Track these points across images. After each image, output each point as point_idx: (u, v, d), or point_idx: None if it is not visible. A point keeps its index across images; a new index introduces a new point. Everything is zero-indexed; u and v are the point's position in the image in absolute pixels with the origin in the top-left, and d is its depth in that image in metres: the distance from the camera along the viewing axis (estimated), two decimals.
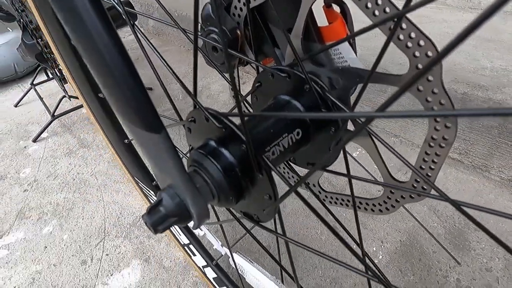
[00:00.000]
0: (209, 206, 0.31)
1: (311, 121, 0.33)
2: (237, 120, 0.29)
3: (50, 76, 1.66)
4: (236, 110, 0.25)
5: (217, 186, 0.28)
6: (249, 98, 0.40)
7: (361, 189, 1.04)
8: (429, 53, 0.26)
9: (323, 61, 0.36)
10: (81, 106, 1.48)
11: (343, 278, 0.82)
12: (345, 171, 0.35)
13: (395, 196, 0.36)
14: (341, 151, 0.35)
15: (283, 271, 0.54)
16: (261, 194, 0.28)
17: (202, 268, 0.75)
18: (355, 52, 0.35)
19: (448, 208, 0.93)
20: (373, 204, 0.39)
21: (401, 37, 0.27)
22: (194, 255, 0.75)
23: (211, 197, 0.29)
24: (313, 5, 0.31)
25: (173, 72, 0.37)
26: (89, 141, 1.42)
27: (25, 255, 0.99)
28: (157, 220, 0.26)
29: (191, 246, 0.74)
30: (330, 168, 0.36)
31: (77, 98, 1.34)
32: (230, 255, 0.55)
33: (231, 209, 0.38)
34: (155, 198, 0.76)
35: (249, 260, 0.56)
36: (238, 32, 0.38)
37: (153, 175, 0.30)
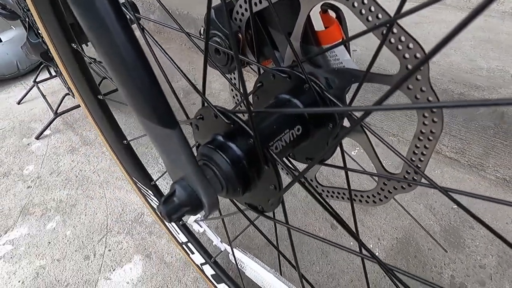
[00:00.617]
0: None
1: (310, 118, 0.35)
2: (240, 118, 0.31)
3: (53, 73, 1.68)
4: (240, 107, 0.27)
5: (226, 178, 0.30)
6: (250, 97, 0.41)
7: (357, 185, 1.06)
8: (417, 55, 0.28)
9: (320, 63, 0.38)
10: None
11: (339, 274, 0.84)
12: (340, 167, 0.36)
13: (387, 187, 0.38)
14: (338, 147, 0.37)
15: (286, 261, 0.56)
16: (267, 185, 0.30)
17: (200, 266, 0.77)
18: (349, 54, 0.37)
19: (444, 206, 0.95)
20: (367, 196, 0.41)
21: (392, 40, 0.29)
22: (193, 253, 0.77)
23: (220, 188, 0.31)
24: (311, 11, 0.33)
25: (182, 71, 0.39)
26: (91, 138, 1.43)
27: (29, 250, 1.01)
28: (171, 210, 0.28)
29: (189, 244, 0.76)
30: (328, 162, 0.38)
31: None
32: (230, 250, 0.57)
33: (235, 201, 0.40)
34: (153, 198, 0.78)
35: (248, 255, 0.58)
36: (240, 35, 0.40)
37: (165, 167, 0.32)
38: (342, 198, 0.43)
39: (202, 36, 0.43)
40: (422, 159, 0.32)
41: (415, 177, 0.33)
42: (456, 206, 0.93)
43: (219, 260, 0.77)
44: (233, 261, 0.59)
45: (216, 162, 0.31)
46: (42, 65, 1.66)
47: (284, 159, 0.46)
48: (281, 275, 0.57)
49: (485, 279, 0.78)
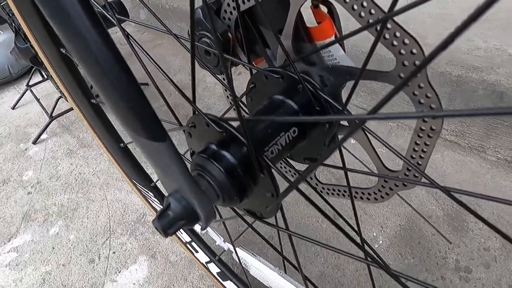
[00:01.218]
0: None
1: (306, 117, 0.34)
2: (235, 123, 0.30)
3: (45, 76, 1.66)
4: (232, 114, 0.26)
5: (221, 187, 0.29)
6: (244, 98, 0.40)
7: (358, 181, 1.06)
8: (414, 50, 0.27)
9: (314, 60, 0.36)
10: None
11: (345, 264, 0.84)
12: (339, 165, 0.36)
13: (388, 185, 0.37)
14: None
15: (285, 261, 0.56)
16: (263, 192, 0.29)
17: (205, 264, 0.76)
18: (344, 50, 0.35)
19: None
20: (369, 193, 0.40)
21: (387, 36, 0.28)
22: (197, 252, 0.76)
23: (215, 198, 0.30)
24: (301, 7, 0.31)
25: (170, 79, 0.38)
26: (88, 140, 1.42)
27: (34, 257, 1.02)
28: (166, 224, 0.28)
29: (193, 243, 0.76)
30: (326, 162, 0.37)
31: None
32: (233, 250, 0.57)
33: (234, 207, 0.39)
34: (154, 199, 0.77)
35: (252, 253, 0.58)
36: (230, 35, 0.39)
37: (159, 180, 0.31)
38: (343, 195, 0.42)
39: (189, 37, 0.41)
40: (422, 156, 0.31)
41: (416, 174, 0.33)
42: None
43: (224, 258, 0.77)
44: (237, 260, 0.59)
45: (210, 172, 0.30)
46: (34, 68, 1.64)
47: (282, 160, 0.45)
48: (285, 272, 0.56)
49: (490, 261, 0.78)
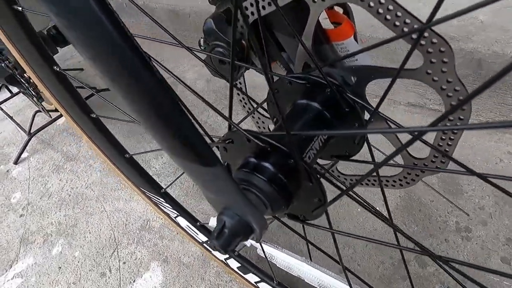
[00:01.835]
0: None
1: (335, 120, 0.35)
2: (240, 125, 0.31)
3: (14, 91, 1.58)
4: (250, 122, 0.26)
5: (269, 199, 0.30)
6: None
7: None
8: (442, 49, 0.29)
9: (330, 57, 0.37)
10: (56, 119, 1.43)
11: (354, 241, 0.88)
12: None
13: (414, 172, 0.39)
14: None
15: (311, 249, 0.58)
16: (311, 198, 0.31)
17: (224, 261, 0.78)
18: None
19: None
20: (393, 181, 0.42)
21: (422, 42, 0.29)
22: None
23: (265, 209, 0.31)
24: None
25: (200, 96, 0.38)
26: (73, 153, 1.38)
27: (41, 280, 0.99)
28: (225, 242, 0.29)
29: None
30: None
31: (56, 111, 1.29)
32: (258, 246, 0.58)
33: None
34: (166, 205, 0.77)
35: (276, 247, 0.60)
36: (244, 42, 0.39)
37: (206, 199, 0.31)
38: (373, 184, 0.44)
39: (202, 48, 0.41)
40: (450, 143, 0.33)
41: (442, 160, 0.35)
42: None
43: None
44: (262, 255, 0.61)
45: (257, 185, 0.31)
46: (0, 85, 1.55)
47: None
48: (311, 260, 0.59)
49: (486, 218, 0.85)
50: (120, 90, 0.21)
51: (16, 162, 1.39)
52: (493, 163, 0.95)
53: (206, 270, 0.91)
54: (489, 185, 0.31)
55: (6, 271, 1.04)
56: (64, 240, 1.08)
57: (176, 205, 0.76)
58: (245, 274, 0.76)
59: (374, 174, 0.42)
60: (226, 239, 0.29)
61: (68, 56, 2.02)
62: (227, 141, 0.32)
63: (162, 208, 0.77)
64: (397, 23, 0.29)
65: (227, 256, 0.77)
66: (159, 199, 0.75)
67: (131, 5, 2.03)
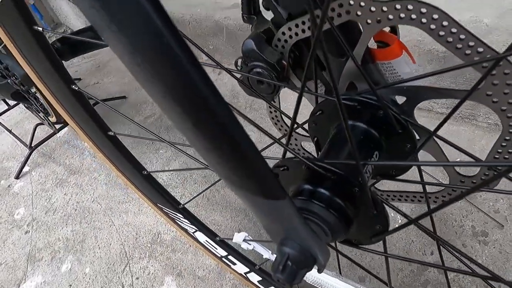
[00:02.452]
0: None
1: (386, 141, 0.34)
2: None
3: (11, 104, 1.55)
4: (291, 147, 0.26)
5: (330, 226, 0.30)
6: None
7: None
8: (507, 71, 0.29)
9: (377, 78, 0.37)
10: (60, 130, 1.39)
11: None
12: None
13: (459, 189, 0.39)
14: None
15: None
16: (372, 226, 0.30)
17: (244, 274, 0.77)
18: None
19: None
20: (436, 197, 0.42)
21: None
22: (234, 264, 0.77)
23: (325, 237, 0.30)
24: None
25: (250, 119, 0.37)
26: (77, 166, 1.35)
27: None
28: (290, 276, 0.28)
29: (230, 257, 0.76)
30: None
31: (61, 123, 1.26)
32: None
33: None
34: (184, 220, 0.75)
35: None
36: (284, 62, 0.38)
37: (264, 229, 0.30)
38: (419, 201, 0.44)
39: (238, 68, 0.40)
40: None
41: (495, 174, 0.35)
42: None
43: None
44: None
45: (317, 214, 0.30)
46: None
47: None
48: (340, 273, 0.58)
49: (502, 221, 0.85)
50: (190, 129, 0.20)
51: (17, 177, 1.36)
52: None
53: (222, 283, 0.90)
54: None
55: None
56: (73, 257, 1.06)
57: (195, 220, 0.74)
58: (266, 287, 0.75)
59: (421, 191, 0.41)
60: (291, 272, 0.28)
61: None
62: (282, 169, 0.31)
63: (180, 223, 0.76)
64: (459, 46, 0.29)
65: (247, 270, 0.76)
66: (176, 215, 0.74)
67: None
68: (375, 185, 0.48)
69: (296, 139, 0.49)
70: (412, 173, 0.41)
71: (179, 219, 0.75)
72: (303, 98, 0.41)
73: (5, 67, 0.85)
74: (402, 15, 0.29)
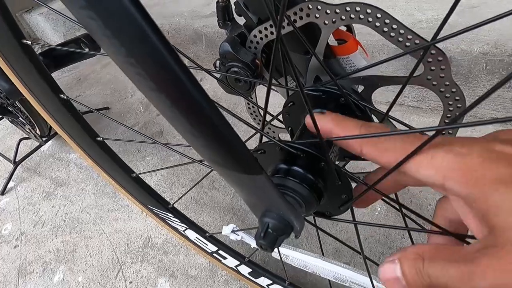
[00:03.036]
0: None
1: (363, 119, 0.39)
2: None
3: None
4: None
5: (305, 199, 0.34)
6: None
7: None
8: (440, 58, 0.34)
9: (338, 71, 0.42)
10: (43, 144, 1.40)
11: (354, 236, 0.93)
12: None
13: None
14: None
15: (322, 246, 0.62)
16: (338, 195, 0.35)
17: (235, 268, 0.80)
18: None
19: None
20: None
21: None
22: (225, 258, 0.80)
23: (300, 208, 0.35)
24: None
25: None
26: (63, 178, 1.36)
27: None
28: (271, 242, 0.32)
29: (220, 251, 0.79)
30: None
31: (47, 136, 1.27)
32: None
33: None
34: (175, 219, 0.79)
35: (290, 247, 0.63)
36: (257, 61, 0.43)
37: (246, 204, 0.35)
38: None
39: (217, 68, 0.45)
40: None
41: None
42: None
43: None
44: (276, 257, 0.64)
45: (293, 189, 0.34)
46: None
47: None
48: (323, 255, 0.63)
49: None
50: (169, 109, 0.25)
51: (2, 193, 1.35)
52: None
53: (214, 280, 0.93)
54: None
55: None
56: (64, 267, 1.07)
57: (184, 219, 0.78)
58: (256, 278, 0.79)
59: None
60: (272, 238, 0.32)
61: None
62: (259, 152, 0.36)
63: (170, 223, 0.79)
64: (401, 39, 0.34)
65: (238, 263, 0.79)
66: (167, 215, 0.77)
67: None
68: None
69: (274, 132, 0.53)
70: None
71: (170, 218, 0.78)
72: (278, 94, 0.46)
73: None
74: (352, 15, 0.34)
